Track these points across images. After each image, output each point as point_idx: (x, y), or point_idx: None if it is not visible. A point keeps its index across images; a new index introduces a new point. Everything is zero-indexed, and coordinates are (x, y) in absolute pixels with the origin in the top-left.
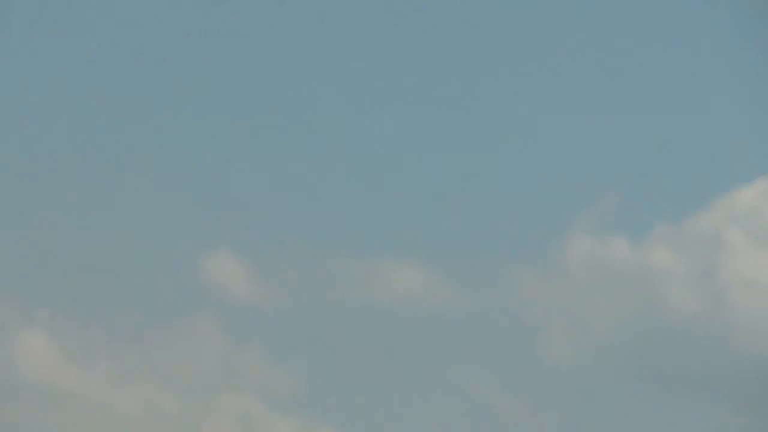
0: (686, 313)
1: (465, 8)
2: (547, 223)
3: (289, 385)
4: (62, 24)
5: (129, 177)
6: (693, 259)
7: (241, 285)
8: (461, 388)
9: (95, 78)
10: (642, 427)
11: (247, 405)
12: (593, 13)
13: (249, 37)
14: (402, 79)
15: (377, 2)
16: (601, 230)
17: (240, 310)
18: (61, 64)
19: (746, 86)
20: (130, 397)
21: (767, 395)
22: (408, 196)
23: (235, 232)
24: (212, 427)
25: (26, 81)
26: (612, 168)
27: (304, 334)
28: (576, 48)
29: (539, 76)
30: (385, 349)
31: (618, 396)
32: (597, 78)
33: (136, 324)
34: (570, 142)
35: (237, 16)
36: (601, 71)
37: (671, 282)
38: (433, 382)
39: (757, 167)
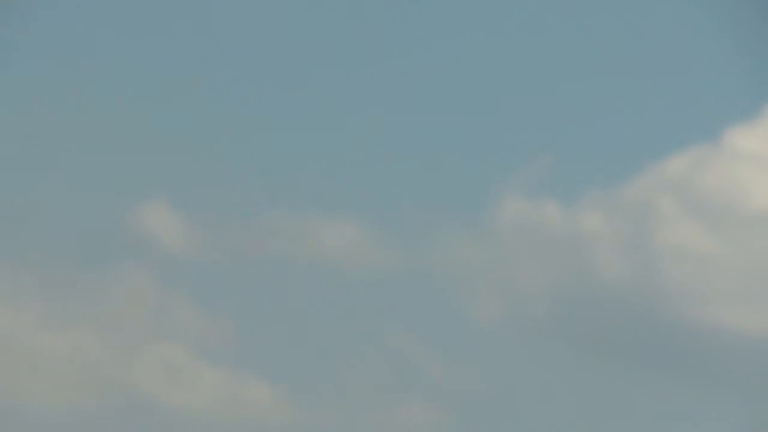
0: (616, 279)
1: None
2: (479, 183)
3: (218, 337)
4: None
5: (63, 123)
6: (625, 226)
7: (174, 235)
8: (389, 344)
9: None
10: (569, 391)
11: (176, 355)
12: None
13: None
14: (339, 34)
15: None
16: (533, 193)
17: (172, 260)
18: None
19: (683, 51)
20: (58, 343)
21: (697, 363)
22: (341, 151)
23: (169, 183)
24: (140, 375)
25: None
26: (546, 131)
27: (234, 287)
28: (510, 7)
29: (473, 36)
30: (315, 305)
31: (545, 360)
32: (531, 39)
33: (65, 270)
34: (504, 102)
35: None
36: (535, 32)
37: (602, 247)
38: (361, 338)
39: (691, 135)
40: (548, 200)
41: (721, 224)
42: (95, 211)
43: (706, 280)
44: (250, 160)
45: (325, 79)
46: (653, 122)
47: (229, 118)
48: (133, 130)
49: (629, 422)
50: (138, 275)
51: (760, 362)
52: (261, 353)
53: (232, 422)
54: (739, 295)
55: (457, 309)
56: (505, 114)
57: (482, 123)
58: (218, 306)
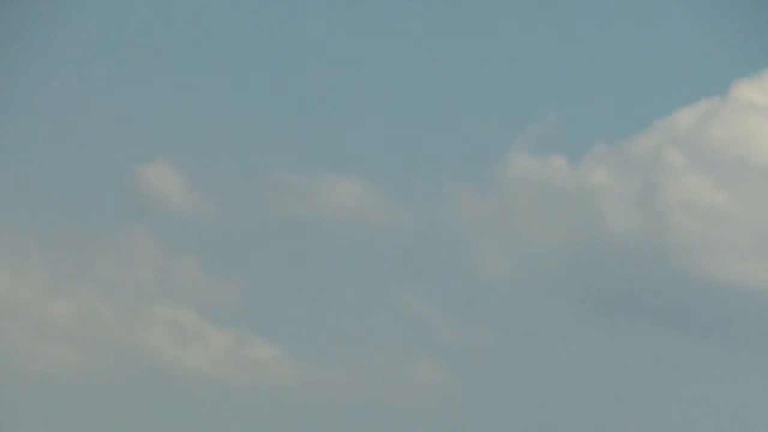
0: (624, 232)
1: None
2: (487, 141)
3: (224, 297)
4: None
5: (68, 86)
6: (632, 180)
7: (179, 196)
8: (397, 302)
9: None
10: (577, 343)
11: (181, 315)
12: None
13: None
14: None
15: None
16: (541, 149)
17: (177, 220)
18: None
19: (691, 7)
20: (64, 305)
21: (705, 316)
22: (348, 110)
23: (173, 143)
24: (146, 336)
25: None
26: (553, 87)
27: (240, 247)
28: None
29: None
30: (322, 263)
31: (553, 313)
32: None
33: (71, 232)
34: (511, 61)
35: None
36: None
37: (609, 202)
38: (369, 297)
39: (699, 89)
40: (556, 156)
41: (730, 177)
42: (100, 173)
43: (715, 234)
44: (256, 119)
45: (331, 37)
46: (661, 77)
47: (234, 79)
48: (137, 91)
49: (637, 375)
50: (143, 236)
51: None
52: (268, 313)
53: (240, 382)
54: (748, 248)
55: (466, 265)
56: (512, 72)
57: (490, 81)
58: (224, 266)
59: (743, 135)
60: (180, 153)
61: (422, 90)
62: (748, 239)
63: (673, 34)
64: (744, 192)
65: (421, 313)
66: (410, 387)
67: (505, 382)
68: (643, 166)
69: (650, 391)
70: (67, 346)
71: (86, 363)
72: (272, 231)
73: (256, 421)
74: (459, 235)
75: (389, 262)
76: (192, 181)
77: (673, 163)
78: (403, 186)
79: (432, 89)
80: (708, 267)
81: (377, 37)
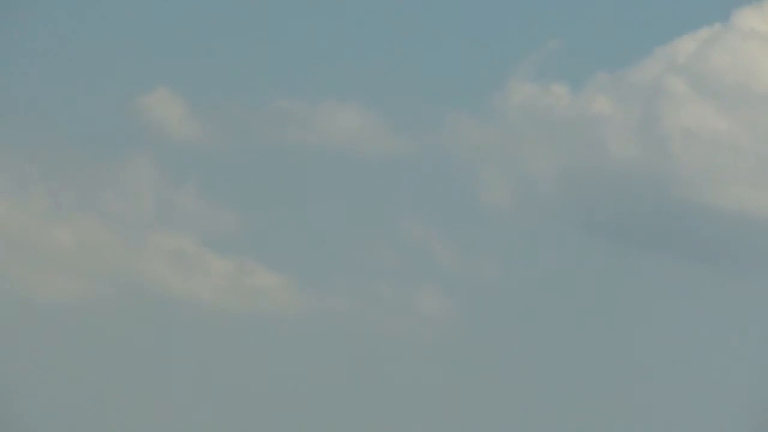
0: (626, 161)
1: None
2: (488, 69)
3: (225, 226)
4: None
5: (69, 17)
6: (633, 108)
7: (179, 124)
8: (398, 231)
9: None
10: (579, 271)
11: (183, 244)
12: None
13: None
14: None
15: None
16: (542, 77)
17: (177, 148)
18: None
19: None
20: (65, 233)
21: (706, 244)
22: (349, 39)
23: (174, 72)
24: (146, 264)
25: None
26: (554, 14)
27: (241, 175)
28: None
29: None
30: (323, 191)
31: (555, 242)
32: None
33: (72, 161)
34: None
35: None
36: None
37: (611, 130)
38: (371, 225)
39: (700, 16)
40: (557, 83)
41: (732, 104)
42: (101, 102)
43: (716, 161)
44: (258, 47)
45: None
46: (662, 4)
47: (234, 7)
48: (138, 20)
49: (639, 302)
50: (144, 165)
51: None
52: (269, 241)
53: (240, 311)
54: (749, 174)
55: (468, 194)
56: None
57: (491, 9)
58: (225, 194)
59: (744, 62)
60: (181, 82)
61: (423, 19)
62: (748, 166)
63: None
64: (745, 119)
65: (423, 242)
66: (412, 315)
67: (507, 309)
68: (644, 93)
69: (651, 315)
70: (68, 275)
71: (87, 292)
72: (273, 159)
73: (256, 349)
74: (460, 164)
75: (391, 191)
76: (193, 110)
77: (674, 91)
78: (404, 114)
79: (433, 18)
80: (709, 194)
81: None
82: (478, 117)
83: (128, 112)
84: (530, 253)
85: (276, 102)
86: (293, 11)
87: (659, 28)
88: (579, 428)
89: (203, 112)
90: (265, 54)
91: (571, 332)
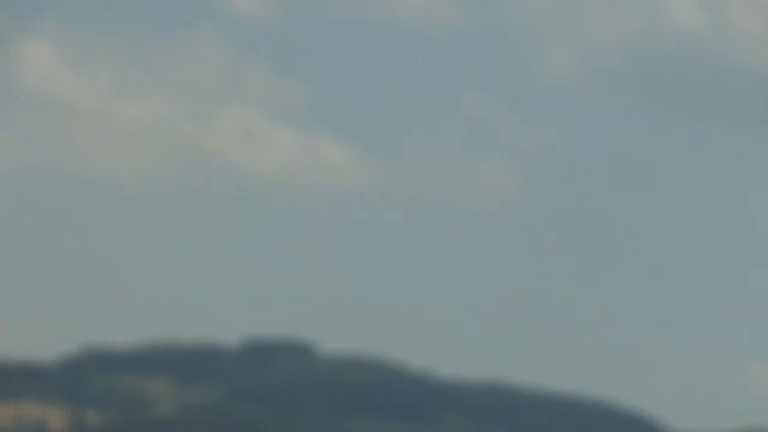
0: (688, 30)
1: None
2: None
3: (291, 98)
4: None
5: None
6: None
7: None
8: (462, 103)
9: None
10: (641, 143)
11: (248, 117)
12: None
13: None
14: None
15: None
16: None
17: (246, 23)
18: None
19: None
20: (132, 108)
21: (764, 106)
22: None
23: None
24: (213, 138)
25: None
26: None
27: (309, 48)
28: None
29: None
30: (390, 65)
31: (618, 113)
32: None
33: (140, 36)
34: None
35: None
36: None
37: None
38: (437, 98)
39: None
40: None
41: None
42: None
43: None
44: None
45: None
46: None
47: None
48: None
49: (699, 169)
50: (212, 39)
51: None
52: (336, 115)
53: (308, 184)
54: None
55: (531, 65)
56: None
57: None
58: (294, 68)
59: None
60: None
61: None
62: None
63: None
64: None
65: (488, 114)
66: (477, 186)
67: (569, 178)
68: None
69: (714, 181)
70: (136, 150)
71: (155, 166)
72: (341, 33)
73: (324, 222)
74: (523, 35)
75: (454, 64)
76: None
77: None
78: None
79: None
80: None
81: None
82: None
83: None
84: (593, 124)
85: None
86: None
87: None
88: (643, 288)
89: None
90: None
91: (632, 198)
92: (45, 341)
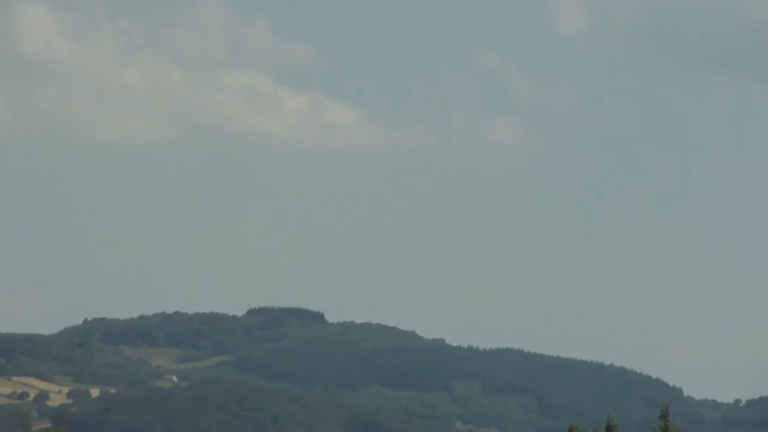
0: None
1: None
2: None
3: (298, 61)
4: None
5: None
6: None
7: None
8: (473, 60)
9: None
10: (654, 97)
11: (254, 80)
12: None
13: None
14: None
15: None
16: None
17: None
18: None
19: None
20: (134, 72)
21: None
22: None
23: None
24: (219, 102)
25: None
26: None
27: (314, 8)
28: None
29: None
30: (397, 23)
31: (629, 68)
32: None
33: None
34: None
35: None
36: None
37: None
38: (444, 55)
39: None
40: None
41: None
42: None
43: None
44: None
45: None
46: None
47: None
48: None
49: (715, 123)
50: (213, 1)
51: None
52: (343, 75)
53: (316, 146)
54: None
55: (542, 21)
56: None
57: None
58: (298, 29)
59: None
60: None
61: None
62: None
63: None
64: None
65: (498, 72)
66: (489, 146)
67: (582, 136)
68: None
69: (729, 140)
70: (139, 114)
71: (159, 131)
72: None
73: (332, 185)
74: None
75: (464, 19)
76: None
77: None
78: None
79: None
80: None
81: None
82: None
83: None
84: (605, 80)
85: None
86: None
87: None
88: (663, 252)
89: None
90: None
91: (648, 158)
92: (48, 315)
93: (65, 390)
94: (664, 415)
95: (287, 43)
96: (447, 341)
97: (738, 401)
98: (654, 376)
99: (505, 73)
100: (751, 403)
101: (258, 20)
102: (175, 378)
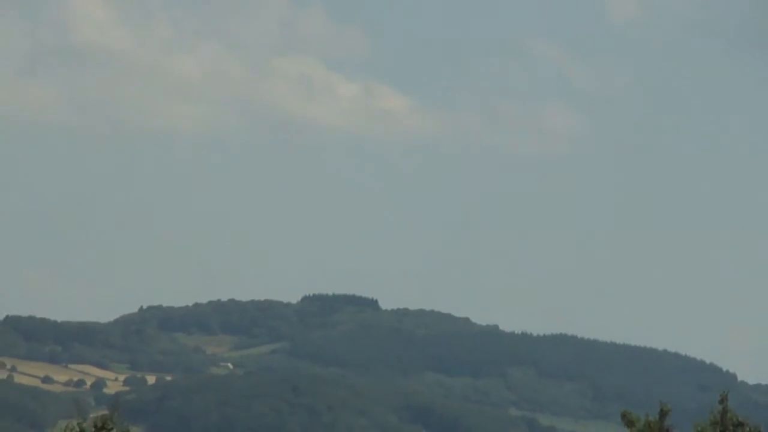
0: None
1: None
2: None
3: (352, 48)
4: None
5: None
6: None
7: None
8: (527, 48)
9: None
10: (711, 82)
11: (308, 68)
12: None
13: None
14: None
15: None
16: None
17: None
18: None
19: None
20: (189, 61)
21: None
22: None
23: None
24: (272, 89)
25: None
26: None
27: None
28: None
29: None
30: (452, 13)
31: (686, 55)
32: None
33: None
34: None
35: None
36: None
37: None
38: (498, 42)
39: None
40: None
41: None
42: None
43: None
44: None
45: None
46: None
47: None
48: None
49: None
50: None
51: None
52: (397, 62)
53: (368, 133)
54: None
55: (597, 8)
56: None
57: None
58: (352, 15)
59: None
60: None
61: None
62: None
63: None
64: None
65: (552, 59)
66: (542, 134)
67: (639, 125)
68: None
69: None
70: (194, 103)
71: (213, 119)
72: None
73: (385, 172)
74: None
75: (518, 7)
76: None
77: None
78: None
79: None
80: None
81: None
82: None
83: None
84: (662, 66)
85: None
86: None
87: None
88: (719, 239)
89: None
90: None
91: (702, 145)
92: (105, 303)
93: (121, 377)
94: (723, 401)
95: (341, 30)
96: (500, 327)
97: None
98: (708, 361)
99: (559, 61)
100: None
101: (311, 6)
102: (230, 365)
